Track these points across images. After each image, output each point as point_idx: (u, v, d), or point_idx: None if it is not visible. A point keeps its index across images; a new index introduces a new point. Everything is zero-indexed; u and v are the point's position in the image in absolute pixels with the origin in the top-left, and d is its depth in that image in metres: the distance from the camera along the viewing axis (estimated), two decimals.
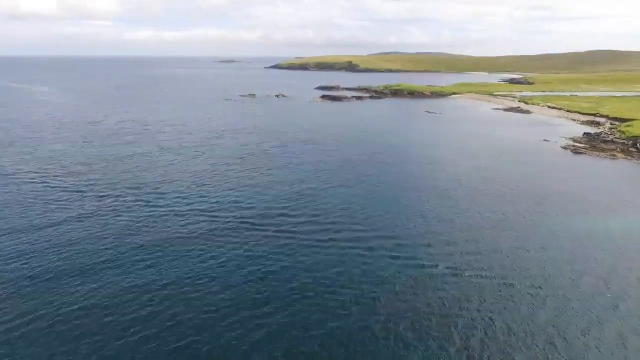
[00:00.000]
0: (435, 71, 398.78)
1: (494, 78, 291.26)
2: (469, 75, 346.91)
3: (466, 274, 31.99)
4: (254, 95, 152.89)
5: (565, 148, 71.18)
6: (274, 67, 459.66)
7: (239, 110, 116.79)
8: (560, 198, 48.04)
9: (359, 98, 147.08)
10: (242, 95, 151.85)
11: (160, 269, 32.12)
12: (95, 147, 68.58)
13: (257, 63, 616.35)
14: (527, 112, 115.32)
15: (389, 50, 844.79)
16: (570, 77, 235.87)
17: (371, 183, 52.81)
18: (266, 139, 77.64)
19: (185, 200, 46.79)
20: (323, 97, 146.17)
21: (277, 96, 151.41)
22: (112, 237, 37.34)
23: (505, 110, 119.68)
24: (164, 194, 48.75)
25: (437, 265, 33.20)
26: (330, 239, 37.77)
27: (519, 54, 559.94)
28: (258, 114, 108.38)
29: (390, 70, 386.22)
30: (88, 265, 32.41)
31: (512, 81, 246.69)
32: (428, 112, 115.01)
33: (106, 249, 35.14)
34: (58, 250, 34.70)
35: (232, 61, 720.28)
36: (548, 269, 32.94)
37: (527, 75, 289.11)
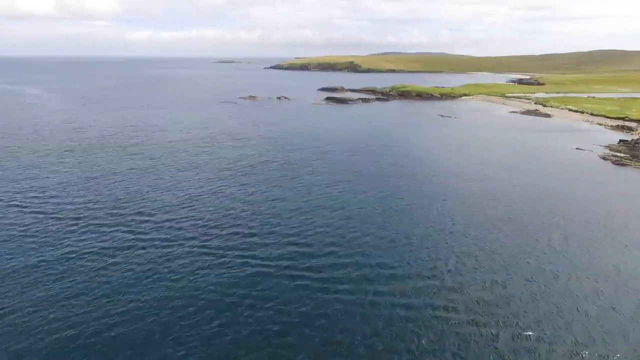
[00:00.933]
0: (438, 71, 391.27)
1: (501, 78, 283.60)
2: (473, 75, 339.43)
3: (532, 339, 24.39)
4: (255, 97, 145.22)
5: (604, 158, 63.52)
6: (274, 67, 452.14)
7: (239, 114, 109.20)
8: (617, 225, 40.37)
9: (365, 100, 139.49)
10: (242, 98, 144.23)
11: (129, 335, 24.44)
12: (76, 159, 60.90)
13: (256, 63, 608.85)
14: (547, 115, 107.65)
15: (388, 50, 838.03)
16: (581, 77, 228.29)
17: (394, 204, 45.09)
18: (268, 148, 70.02)
19: (172, 227, 39.18)
20: (327, 99, 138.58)
21: (279, 98, 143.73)
22: (81, 277, 29.68)
23: (523, 113, 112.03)
24: (148, 218, 41.16)
25: (492, 327, 25.58)
26: (352, 281, 30.17)
27: (521, 54, 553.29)
28: (259, 119, 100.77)
29: (392, 71, 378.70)
30: (40, 325, 24.76)
31: (520, 82, 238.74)
32: (441, 115, 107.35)
33: (72, 297, 27.45)
34: (9, 299, 27.02)
35: (231, 62, 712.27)
36: (634, 335, 25.29)
37: (534, 76, 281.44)
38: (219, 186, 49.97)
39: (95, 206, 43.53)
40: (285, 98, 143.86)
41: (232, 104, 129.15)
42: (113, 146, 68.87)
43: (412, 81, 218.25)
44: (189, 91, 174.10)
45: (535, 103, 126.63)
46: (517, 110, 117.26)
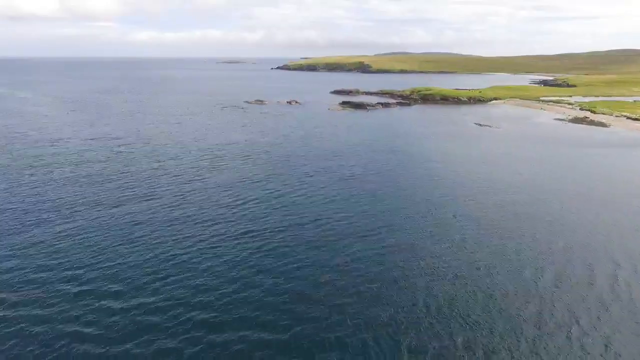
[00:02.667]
0: (452, 72, 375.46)
1: (521, 80, 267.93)
2: (490, 76, 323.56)
3: None
4: (262, 101, 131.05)
5: None
6: (281, 68, 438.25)
7: (244, 122, 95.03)
8: None
9: (386, 105, 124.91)
10: (248, 102, 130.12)
11: None
12: (31, 188, 46.78)
13: (262, 64, 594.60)
14: (602, 124, 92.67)
15: (393, 51, 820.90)
16: (612, 78, 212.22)
17: (474, 271, 30.64)
18: (278, 169, 55.76)
19: (146, 306, 25.30)
20: (343, 104, 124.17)
21: (289, 103, 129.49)
22: None
23: (572, 121, 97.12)
24: (115, 293, 27.33)
25: None
26: None
27: (534, 54, 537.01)
28: (268, 130, 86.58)
29: (404, 71, 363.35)
30: None
31: (545, 83, 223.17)
32: (479, 125, 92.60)
33: None
34: None
35: (236, 62, 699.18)
36: None
37: (557, 77, 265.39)
38: (210, 237, 35.67)
39: (44, 273, 29.59)
40: (296, 102, 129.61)
41: (238, 110, 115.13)
42: (87, 167, 54.64)
43: (426, 82, 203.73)
44: (190, 94, 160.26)
45: (580, 109, 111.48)
46: (563, 117, 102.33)
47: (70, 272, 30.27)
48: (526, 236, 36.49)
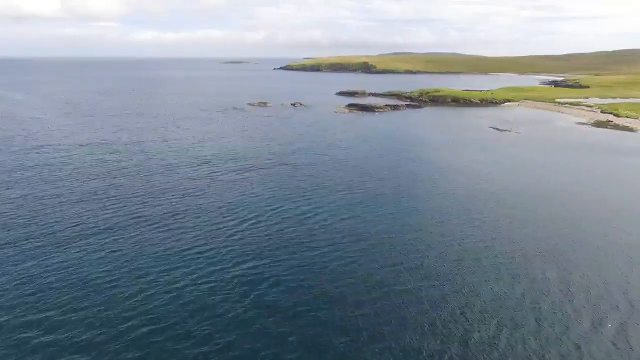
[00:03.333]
0: (458, 72, 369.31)
1: (530, 80, 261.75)
2: (497, 76, 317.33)
3: None
4: (266, 103, 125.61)
5: None
6: (284, 68, 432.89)
7: (246, 127, 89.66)
8: None
9: (394, 107, 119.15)
10: (251, 104, 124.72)
11: None
12: (1, 205, 41.48)
13: (264, 64, 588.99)
14: (627, 128, 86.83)
15: (396, 51, 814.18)
16: (626, 79, 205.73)
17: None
18: (283, 182, 50.28)
19: None
20: (350, 106, 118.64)
21: (294, 105, 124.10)
22: None
23: (595, 125, 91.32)
24: (84, 345, 22.20)
25: None
26: None
27: (541, 54, 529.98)
28: (272, 135, 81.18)
29: (410, 72, 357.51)
30: None
31: (555, 84, 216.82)
32: (497, 129, 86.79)
33: None
34: None
35: (239, 62, 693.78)
36: None
37: (567, 77, 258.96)
38: (209, 267, 30.27)
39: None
40: (300, 104, 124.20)
41: (240, 112, 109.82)
42: (64, 183, 49.36)
43: (432, 83, 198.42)
44: (191, 96, 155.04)
45: (602, 112, 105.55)
46: (585, 120, 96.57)
47: (32, 317, 25.00)
48: (570, 266, 30.96)
